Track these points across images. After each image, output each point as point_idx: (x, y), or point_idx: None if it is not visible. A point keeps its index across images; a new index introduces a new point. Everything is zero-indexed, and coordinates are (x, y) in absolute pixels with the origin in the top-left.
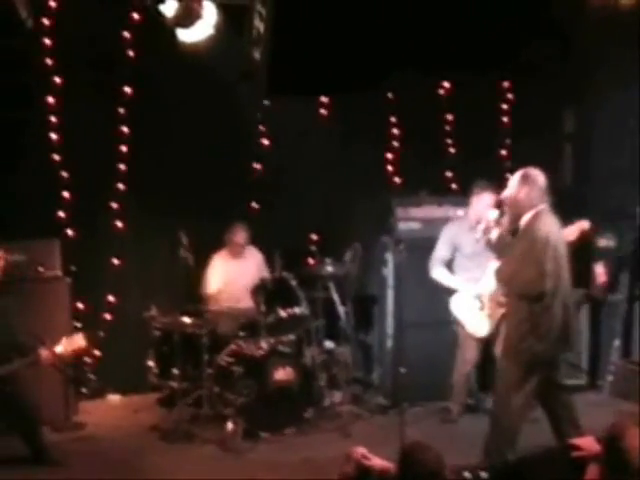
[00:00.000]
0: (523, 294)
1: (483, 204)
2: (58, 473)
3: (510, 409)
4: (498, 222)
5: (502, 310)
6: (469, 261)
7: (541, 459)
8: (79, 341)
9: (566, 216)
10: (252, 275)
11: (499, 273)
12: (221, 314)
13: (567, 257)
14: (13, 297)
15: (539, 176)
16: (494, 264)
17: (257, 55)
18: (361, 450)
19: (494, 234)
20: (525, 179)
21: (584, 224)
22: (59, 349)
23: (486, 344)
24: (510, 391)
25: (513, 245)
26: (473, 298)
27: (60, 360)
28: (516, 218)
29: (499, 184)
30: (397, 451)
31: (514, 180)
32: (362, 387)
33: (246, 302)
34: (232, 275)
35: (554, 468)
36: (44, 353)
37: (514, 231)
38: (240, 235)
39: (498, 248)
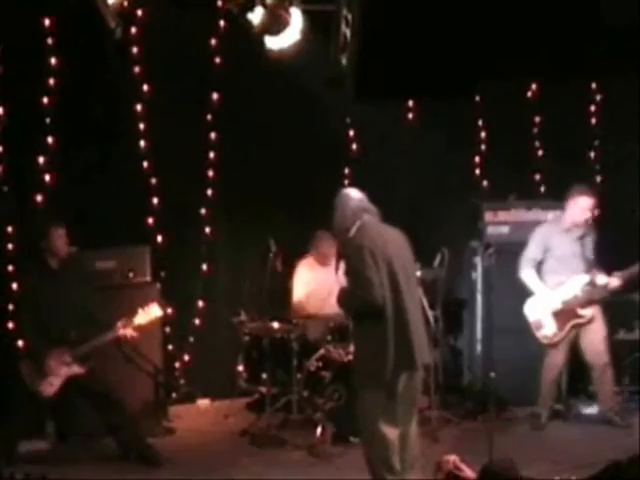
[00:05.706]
0: (353, 311)
1: (580, 208)
2: (149, 477)
3: (376, 436)
4: None
5: (578, 320)
6: (559, 264)
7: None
8: (155, 311)
9: None
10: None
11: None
12: (310, 319)
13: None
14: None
15: (349, 194)
16: (582, 276)
17: (344, 60)
18: (454, 459)
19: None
20: (336, 202)
21: None
22: (137, 320)
23: (575, 349)
24: (368, 416)
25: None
26: (550, 302)
27: (139, 331)
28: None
29: (589, 187)
30: (486, 457)
31: None
32: (451, 392)
33: (334, 308)
34: (319, 281)
35: None
36: (123, 327)
37: None
38: (324, 244)
39: None
